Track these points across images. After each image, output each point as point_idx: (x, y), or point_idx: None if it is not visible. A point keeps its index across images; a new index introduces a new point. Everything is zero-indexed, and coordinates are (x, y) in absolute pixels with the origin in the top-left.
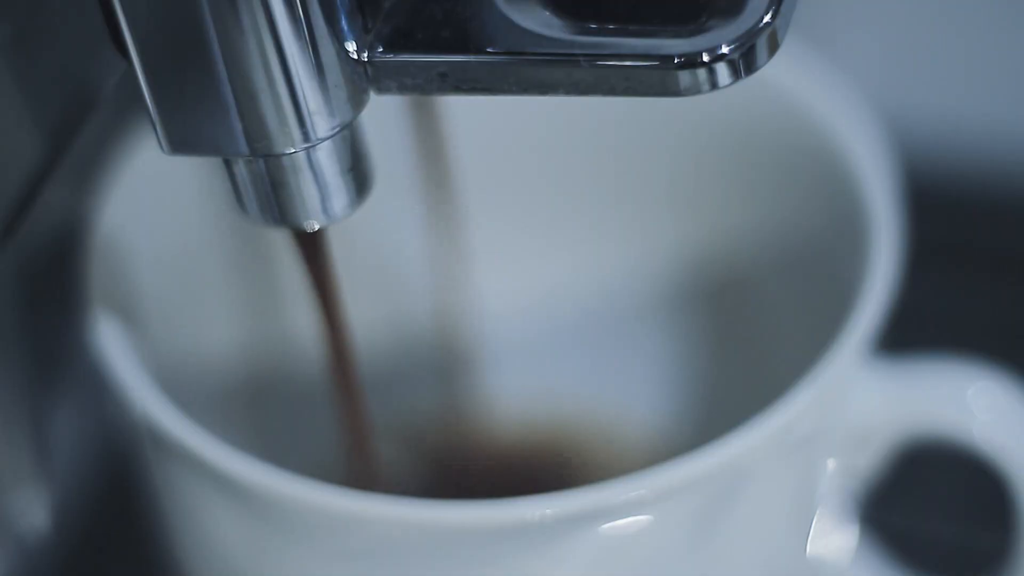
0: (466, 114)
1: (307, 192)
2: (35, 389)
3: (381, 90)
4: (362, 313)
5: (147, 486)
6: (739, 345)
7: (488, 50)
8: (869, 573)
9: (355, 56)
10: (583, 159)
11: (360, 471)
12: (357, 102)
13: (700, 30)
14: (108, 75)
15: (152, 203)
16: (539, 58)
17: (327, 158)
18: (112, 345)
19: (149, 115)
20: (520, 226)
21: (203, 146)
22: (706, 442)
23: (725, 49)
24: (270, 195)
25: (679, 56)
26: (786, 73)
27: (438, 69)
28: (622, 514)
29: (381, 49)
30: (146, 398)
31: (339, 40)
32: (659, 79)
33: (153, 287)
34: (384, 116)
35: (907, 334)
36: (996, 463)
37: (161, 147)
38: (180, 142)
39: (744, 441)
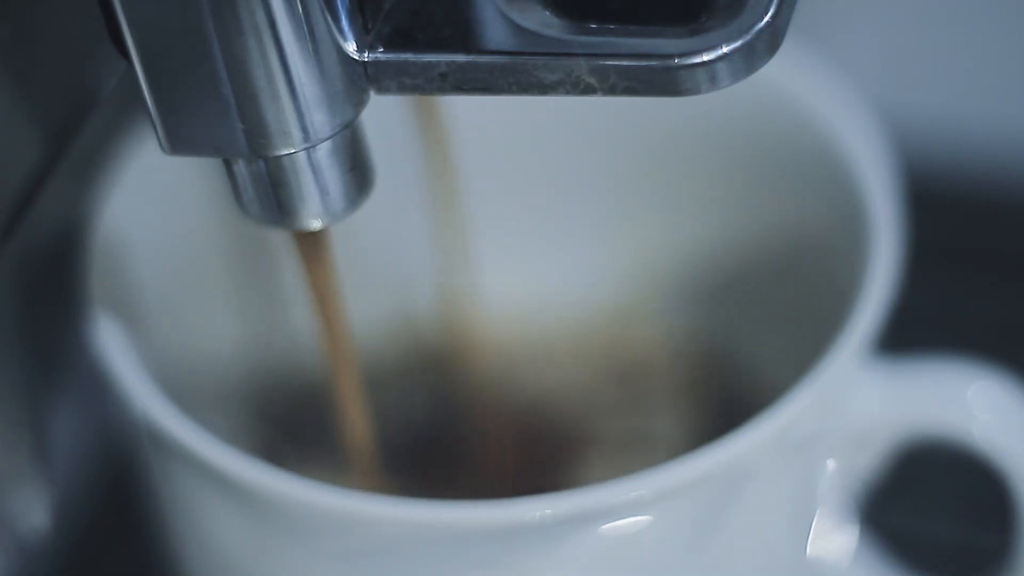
0: (467, 113)
1: (307, 192)
2: (35, 389)
3: (381, 90)
4: (363, 312)
5: (147, 486)
6: (739, 345)
7: (488, 50)
8: (869, 573)
9: (355, 56)
10: (582, 158)
11: (360, 470)
12: (357, 102)
13: (700, 30)
14: (108, 75)
15: (152, 203)
16: (539, 58)
17: (327, 158)
18: (112, 345)
19: (149, 115)
20: (520, 226)
21: (203, 146)
22: (704, 441)
23: (725, 49)
24: (270, 195)
25: (679, 56)
26: (786, 73)
27: (438, 69)
28: (622, 514)
29: (381, 49)
30: (146, 398)
31: (339, 40)
32: (659, 79)
33: (153, 287)
34: (384, 116)
35: (907, 334)
36: (996, 463)
37: (161, 147)
38: (180, 142)
39: (744, 441)
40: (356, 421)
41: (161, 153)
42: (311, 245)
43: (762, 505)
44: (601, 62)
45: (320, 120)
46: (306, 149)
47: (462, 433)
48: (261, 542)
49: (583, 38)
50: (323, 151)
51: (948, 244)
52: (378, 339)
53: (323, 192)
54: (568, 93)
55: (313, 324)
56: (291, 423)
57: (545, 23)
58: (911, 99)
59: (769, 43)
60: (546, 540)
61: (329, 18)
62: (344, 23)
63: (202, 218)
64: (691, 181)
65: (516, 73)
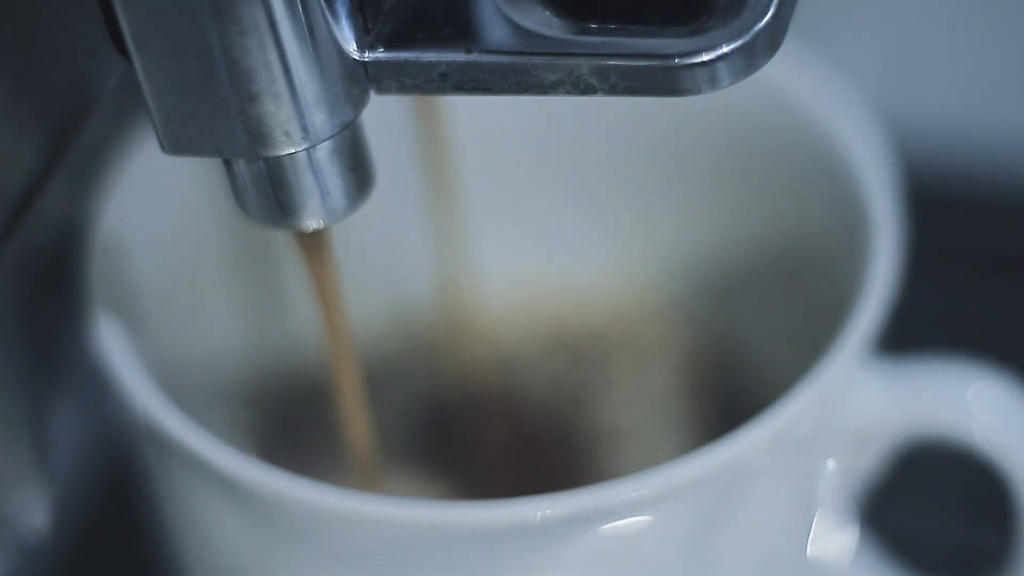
0: (467, 113)
1: (308, 192)
2: (35, 389)
3: (381, 90)
4: (364, 312)
5: (147, 486)
6: (738, 344)
7: (488, 50)
8: (869, 573)
9: (355, 56)
10: (582, 158)
11: (360, 468)
12: (357, 102)
13: (700, 30)
14: (108, 75)
15: (152, 203)
16: (539, 58)
17: (328, 158)
18: (112, 345)
19: (149, 115)
20: (520, 227)
21: (203, 146)
22: (705, 438)
23: (725, 49)
24: (271, 195)
25: (679, 56)
26: (786, 73)
27: (438, 69)
28: (622, 514)
29: (381, 49)
30: (146, 398)
31: (339, 40)
32: (659, 79)
33: (153, 287)
34: (384, 116)
35: (907, 334)
36: (996, 463)
37: (161, 147)
38: (180, 142)
39: (744, 441)
40: (357, 419)
41: (161, 153)
42: (312, 245)
43: (762, 505)
44: (601, 62)
45: (320, 120)
46: (306, 149)
47: (462, 427)
48: (261, 542)
49: (583, 38)
50: (323, 151)
51: (948, 244)
52: (378, 335)
53: (323, 192)
54: (568, 93)
55: (314, 323)
56: (292, 422)
57: (545, 23)
58: (911, 99)
59: (769, 43)
60: (546, 540)
61: (329, 18)
62: (344, 23)
63: (202, 218)
64: (691, 180)
65: (516, 73)
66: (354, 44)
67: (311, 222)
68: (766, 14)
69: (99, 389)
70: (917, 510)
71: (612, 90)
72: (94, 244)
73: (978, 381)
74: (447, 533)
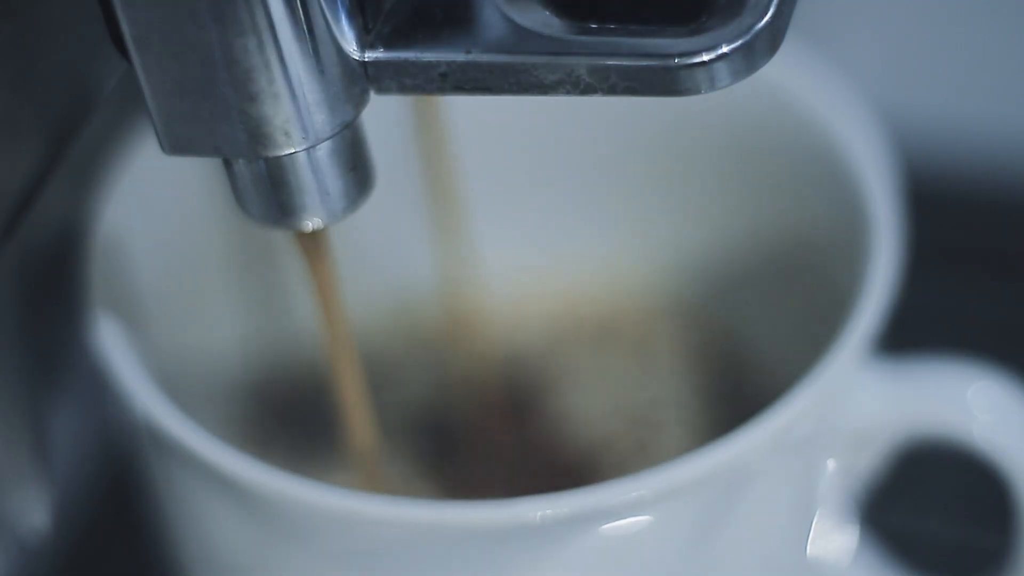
0: (467, 112)
1: (308, 192)
2: (35, 389)
3: (381, 90)
4: (364, 312)
5: (147, 486)
6: (739, 344)
7: (488, 50)
8: (869, 573)
9: (355, 56)
10: (583, 159)
11: (362, 468)
12: (357, 102)
13: (700, 30)
14: (108, 75)
15: (152, 203)
16: (539, 58)
17: (328, 158)
18: (112, 345)
19: (149, 115)
20: (521, 226)
21: (203, 146)
22: (703, 440)
23: (725, 49)
24: (271, 195)
25: (679, 56)
26: (786, 73)
27: (438, 69)
28: (622, 514)
29: (381, 49)
30: (146, 398)
31: (339, 40)
32: (659, 79)
33: (154, 287)
34: (384, 116)
35: (907, 334)
36: (996, 463)
37: (161, 147)
38: (180, 142)
39: (744, 442)
40: (359, 417)
41: (161, 153)
42: (312, 244)
43: (762, 505)
44: (601, 62)
45: (320, 120)
46: (306, 149)
47: (463, 425)
48: (261, 542)
49: (583, 38)
50: (323, 151)
51: (948, 244)
52: (379, 335)
53: (323, 192)
54: (568, 93)
55: (314, 322)
56: (292, 422)
57: (545, 23)
58: (911, 99)
59: (769, 43)
60: (546, 540)
61: (329, 18)
62: (344, 23)
63: (202, 218)
64: (690, 180)
65: (516, 73)
66: (354, 44)
67: (311, 222)
68: (766, 14)
69: (99, 389)
70: (917, 510)
71: (612, 90)
72: (94, 244)
73: (978, 381)
74: (447, 533)
